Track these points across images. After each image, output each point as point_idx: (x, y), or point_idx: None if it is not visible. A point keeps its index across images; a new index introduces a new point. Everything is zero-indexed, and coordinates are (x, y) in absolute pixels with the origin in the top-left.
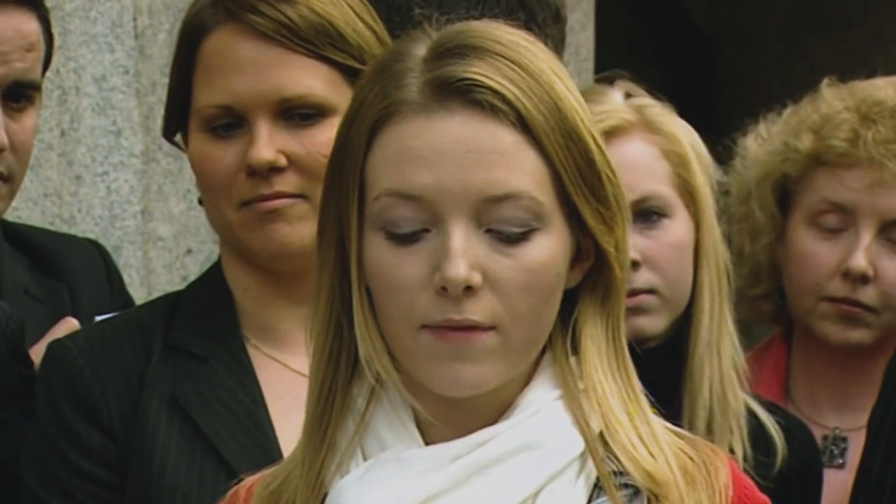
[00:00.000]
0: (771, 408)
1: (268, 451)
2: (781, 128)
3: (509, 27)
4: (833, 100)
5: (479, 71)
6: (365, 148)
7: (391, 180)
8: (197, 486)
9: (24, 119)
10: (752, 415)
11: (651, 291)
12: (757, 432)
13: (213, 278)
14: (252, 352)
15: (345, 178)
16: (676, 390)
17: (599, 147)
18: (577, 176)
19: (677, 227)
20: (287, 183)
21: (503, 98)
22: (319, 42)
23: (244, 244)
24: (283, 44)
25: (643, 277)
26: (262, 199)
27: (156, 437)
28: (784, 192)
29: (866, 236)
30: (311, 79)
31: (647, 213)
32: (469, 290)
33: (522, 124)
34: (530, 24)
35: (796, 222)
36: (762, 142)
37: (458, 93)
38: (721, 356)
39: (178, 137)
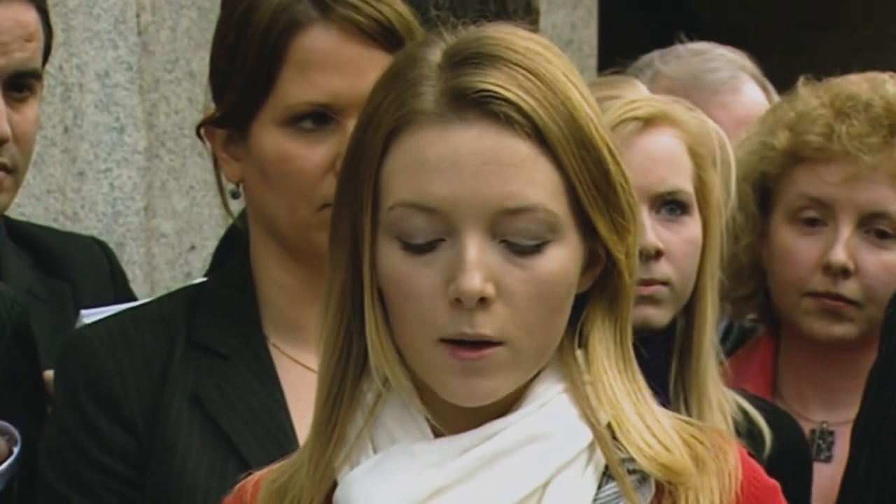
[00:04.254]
0: (756, 401)
1: (288, 452)
2: (758, 128)
3: (525, 32)
4: (808, 97)
5: (495, 82)
6: (380, 155)
7: (407, 191)
8: (217, 486)
9: (25, 109)
10: (738, 409)
11: (665, 283)
12: (743, 424)
13: (239, 273)
14: (273, 351)
15: (359, 184)
16: (667, 379)
17: (614, 156)
18: (592, 186)
19: (694, 225)
20: None
21: (520, 110)
22: (409, 41)
23: (313, 243)
24: (382, 45)
25: (662, 269)
26: None
27: (177, 435)
28: (764, 190)
29: (845, 230)
30: None
31: (673, 207)
32: (482, 301)
33: (538, 136)
34: (501, 15)
35: (777, 220)
36: (741, 143)
37: (474, 104)
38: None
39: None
